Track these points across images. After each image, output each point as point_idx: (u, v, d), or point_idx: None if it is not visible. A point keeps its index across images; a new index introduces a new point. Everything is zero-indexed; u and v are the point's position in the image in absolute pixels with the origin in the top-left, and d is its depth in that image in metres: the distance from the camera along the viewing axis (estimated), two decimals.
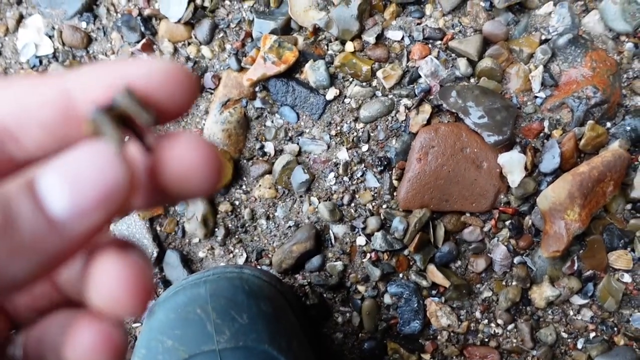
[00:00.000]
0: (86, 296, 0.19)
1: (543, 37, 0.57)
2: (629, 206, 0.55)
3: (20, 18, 0.66)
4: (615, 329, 0.55)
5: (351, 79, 0.59)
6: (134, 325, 0.63)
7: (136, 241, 0.24)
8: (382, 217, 0.58)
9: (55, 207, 0.16)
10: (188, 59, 0.62)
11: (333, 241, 0.59)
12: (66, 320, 0.22)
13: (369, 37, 0.59)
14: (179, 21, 0.61)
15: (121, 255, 0.19)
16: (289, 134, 0.60)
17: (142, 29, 0.63)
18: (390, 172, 0.58)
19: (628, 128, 0.55)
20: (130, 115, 0.18)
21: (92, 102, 0.18)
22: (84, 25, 0.64)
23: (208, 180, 0.19)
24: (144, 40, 0.62)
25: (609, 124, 0.55)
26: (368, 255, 0.58)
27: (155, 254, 0.61)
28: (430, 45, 0.58)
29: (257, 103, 0.60)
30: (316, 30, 0.60)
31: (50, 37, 0.65)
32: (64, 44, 0.64)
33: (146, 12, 0.63)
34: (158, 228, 0.62)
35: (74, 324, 0.20)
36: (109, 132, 0.17)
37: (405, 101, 0.58)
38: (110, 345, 0.19)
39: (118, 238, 0.20)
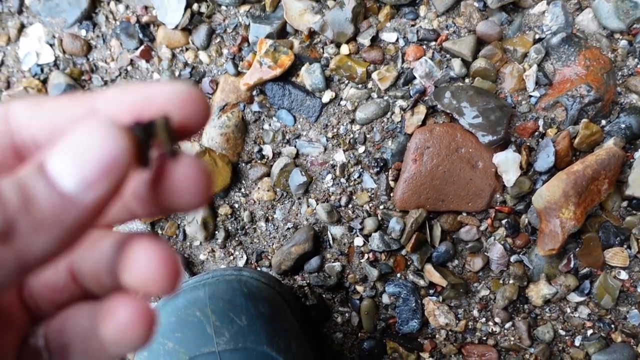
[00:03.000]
0: (122, 279, 0.21)
1: (537, 37, 0.57)
2: (624, 203, 0.56)
3: (22, 27, 0.67)
4: (613, 326, 0.56)
5: (347, 82, 0.60)
6: None
7: None
8: (379, 218, 0.58)
9: (65, 184, 0.18)
10: (186, 64, 0.63)
11: (331, 242, 0.60)
12: (92, 308, 0.24)
13: (364, 40, 0.59)
14: (176, 27, 0.62)
15: (152, 242, 0.21)
16: (287, 137, 0.61)
17: (141, 35, 0.64)
18: (386, 173, 0.58)
19: (623, 125, 0.55)
20: (157, 140, 0.20)
21: (127, 119, 0.20)
22: (83, 33, 0.65)
23: (196, 196, 0.21)
24: (142, 47, 0.63)
25: (603, 122, 0.56)
26: (366, 255, 0.59)
27: None
28: (424, 47, 0.59)
29: (255, 107, 0.61)
30: (311, 34, 0.60)
31: (51, 45, 0.66)
32: (64, 52, 0.66)
33: (144, 19, 0.64)
34: (159, 231, 0.63)
35: (107, 306, 0.22)
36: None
37: (400, 102, 0.58)
38: (147, 319, 0.21)
39: (145, 232, 0.22)
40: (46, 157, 0.18)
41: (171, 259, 0.21)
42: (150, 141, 0.20)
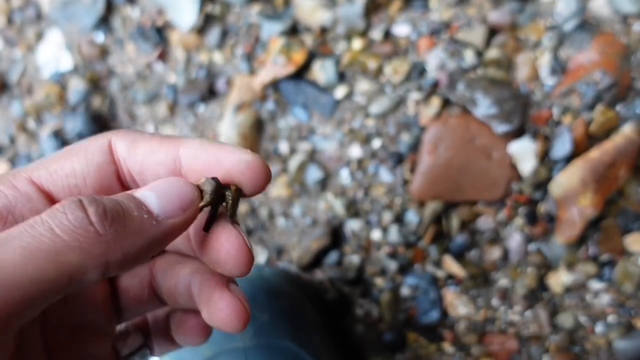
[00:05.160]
0: (207, 261, 0.27)
1: (549, 24, 0.57)
2: None
3: (40, 35, 0.68)
4: (634, 311, 0.56)
5: (360, 76, 0.60)
6: None
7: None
8: (396, 211, 0.59)
9: (153, 208, 0.24)
10: (201, 65, 0.64)
11: (349, 236, 0.60)
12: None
13: (376, 34, 0.60)
14: (190, 29, 0.63)
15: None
16: (302, 134, 0.62)
17: (156, 39, 0.65)
18: (402, 166, 0.59)
19: (638, 111, 0.54)
20: (220, 202, 0.26)
21: (202, 177, 0.26)
22: (100, 38, 0.67)
23: (238, 269, 0.26)
24: (158, 50, 0.65)
25: (619, 108, 0.55)
26: (384, 248, 0.59)
27: None
28: (436, 39, 0.59)
29: (270, 105, 0.62)
30: (323, 30, 0.61)
31: (69, 51, 0.67)
32: (82, 58, 0.67)
33: (159, 22, 0.65)
34: None
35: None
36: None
37: (414, 95, 0.59)
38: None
39: (219, 277, 0.28)
40: (136, 190, 0.25)
41: (244, 309, 0.27)
42: (218, 206, 0.26)
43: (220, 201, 0.26)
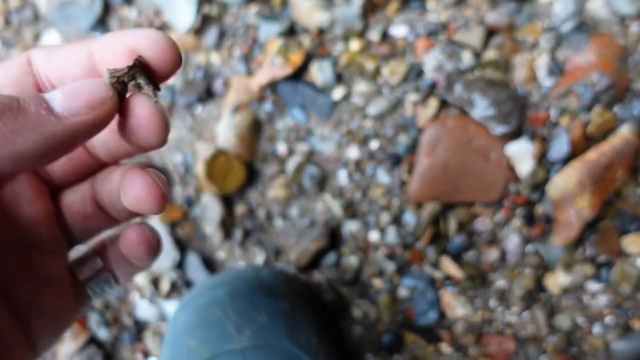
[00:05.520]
0: (122, 202, 0.28)
1: (547, 25, 0.57)
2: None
3: (37, 36, 0.68)
4: (631, 313, 0.56)
5: (357, 78, 0.60)
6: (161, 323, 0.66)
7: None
8: (394, 212, 0.59)
9: (55, 105, 0.24)
10: (198, 66, 0.64)
11: (347, 237, 0.60)
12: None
13: (373, 35, 0.60)
14: (187, 30, 0.63)
15: (142, 171, 0.27)
16: (300, 135, 0.62)
17: None
18: (400, 168, 0.59)
19: (636, 112, 0.54)
20: (137, 81, 0.26)
21: (109, 65, 0.26)
22: None
23: (152, 135, 0.26)
24: None
25: (616, 109, 0.55)
26: (382, 249, 0.59)
27: (177, 258, 0.63)
28: (433, 40, 0.59)
29: (267, 106, 0.62)
30: (321, 31, 0.61)
31: None
32: None
33: (156, 23, 0.65)
34: (180, 231, 0.64)
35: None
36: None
37: (411, 97, 0.59)
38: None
39: (142, 163, 0.29)
40: (47, 93, 0.25)
41: (156, 185, 0.27)
42: (127, 85, 0.26)
43: (130, 78, 0.26)
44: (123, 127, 0.27)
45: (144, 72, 0.26)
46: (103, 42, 0.27)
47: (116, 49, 0.26)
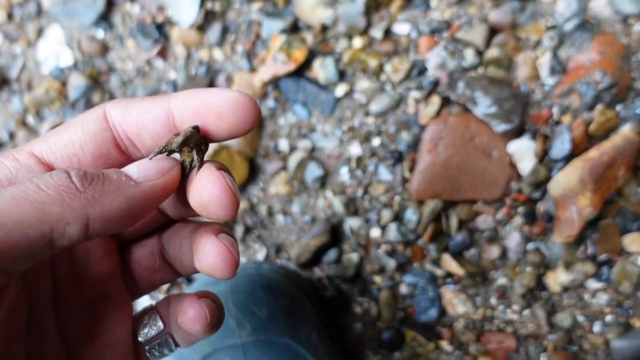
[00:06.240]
0: (196, 266, 0.29)
1: (549, 24, 0.57)
2: None
3: (40, 31, 0.68)
4: (632, 311, 0.56)
5: (360, 75, 0.60)
6: None
7: None
8: (396, 209, 0.59)
9: (133, 174, 0.26)
10: (201, 62, 0.64)
11: (349, 234, 0.60)
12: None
13: (376, 32, 0.60)
14: (191, 26, 0.63)
15: (217, 238, 0.28)
16: (302, 131, 0.62)
17: (156, 35, 0.65)
18: (402, 165, 0.59)
19: (638, 111, 0.54)
20: (190, 149, 0.28)
21: (189, 123, 0.28)
22: (100, 34, 0.67)
23: (222, 211, 0.27)
24: (158, 47, 0.64)
25: (618, 108, 0.55)
26: (383, 246, 0.59)
27: None
28: (436, 37, 0.59)
29: (270, 102, 0.62)
30: (324, 28, 0.61)
31: (69, 47, 0.67)
32: (82, 54, 0.67)
33: (159, 19, 0.65)
34: None
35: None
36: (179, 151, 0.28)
37: (414, 94, 0.59)
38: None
39: (214, 226, 0.29)
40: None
41: (230, 254, 0.28)
42: (191, 154, 0.28)
43: (197, 148, 0.28)
44: (190, 192, 0.28)
45: (198, 142, 0.27)
46: (182, 100, 0.28)
47: (196, 107, 0.27)
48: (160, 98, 0.28)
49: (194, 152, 0.28)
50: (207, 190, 0.27)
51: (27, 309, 0.28)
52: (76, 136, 0.28)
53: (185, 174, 0.28)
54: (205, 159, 0.29)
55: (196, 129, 0.27)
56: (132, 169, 0.27)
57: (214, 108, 0.27)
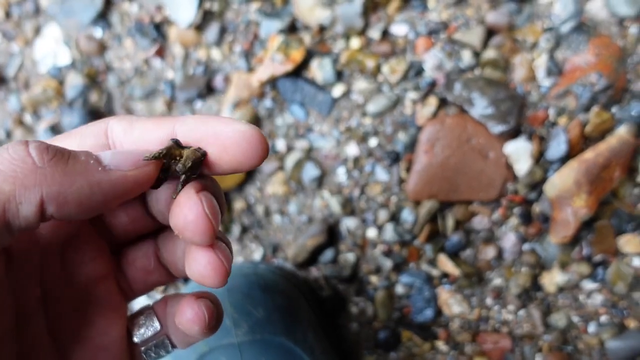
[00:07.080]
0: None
1: (546, 26, 0.57)
2: (636, 190, 0.56)
3: (38, 29, 0.68)
4: (626, 312, 0.56)
5: (357, 75, 0.60)
6: None
7: None
8: (392, 209, 0.59)
9: (103, 159, 0.25)
10: (199, 62, 0.64)
11: (345, 234, 0.61)
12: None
13: (374, 33, 0.60)
14: (189, 26, 0.63)
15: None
16: (299, 131, 0.62)
17: (154, 35, 0.65)
18: (398, 165, 0.59)
19: (633, 113, 0.55)
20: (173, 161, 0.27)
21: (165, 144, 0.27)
22: (98, 33, 0.67)
23: (197, 237, 0.26)
24: (156, 46, 0.65)
25: (614, 109, 0.56)
26: (379, 246, 0.60)
27: None
28: (434, 39, 0.59)
29: (267, 102, 0.62)
30: (322, 29, 0.61)
31: (67, 46, 0.67)
32: (80, 53, 0.67)
33: (157, 18, 0.65)
34: None
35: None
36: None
37: (411, 95, 0.59)
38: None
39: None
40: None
41: (221, 263, 0.27)
42: (169, 165, 0.27)
43: (190, 172, 0.26)
44: (170, 213, 0.27)
45: (187, 156, 0.26)
46: (189, 125, 0.27)
47: (202, 134, 0.26)
48: (166, 120, 0.27)
49: (184, 174, 0.26)
50: (182, 214, 0.26)
51: (13, 310, 0.27)
52: (72, 147, 0.27)
53: (163, 179, 0.27)
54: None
55: (203, 155, 0.26)
56: (105, 154, 0.25)
57: (221, 138, 0.26)
